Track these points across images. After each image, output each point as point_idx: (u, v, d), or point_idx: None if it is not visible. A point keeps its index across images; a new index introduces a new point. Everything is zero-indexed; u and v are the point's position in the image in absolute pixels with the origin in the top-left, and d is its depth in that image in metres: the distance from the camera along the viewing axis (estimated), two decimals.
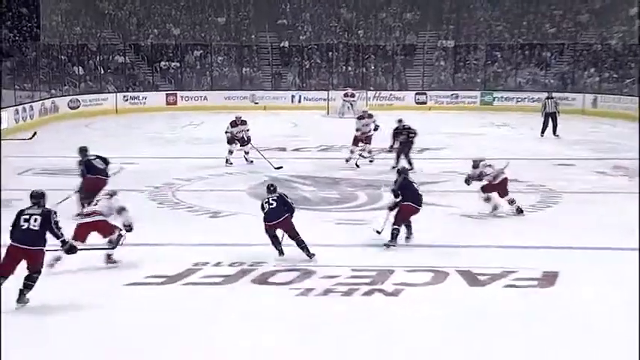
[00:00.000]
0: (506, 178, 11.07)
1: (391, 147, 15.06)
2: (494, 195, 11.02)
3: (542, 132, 20.07)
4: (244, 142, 15.48)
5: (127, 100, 27.96)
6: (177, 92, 29.11)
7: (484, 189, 11.03)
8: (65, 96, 26.40)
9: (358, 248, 9.37)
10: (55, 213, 7.38)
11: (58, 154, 15.86)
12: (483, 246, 9.42)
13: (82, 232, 8.31)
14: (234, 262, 8.60)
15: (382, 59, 31.92)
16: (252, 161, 15.41)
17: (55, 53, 28.40)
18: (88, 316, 7.07)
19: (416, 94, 29.70)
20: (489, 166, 11.11)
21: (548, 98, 20.64)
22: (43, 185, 13.12)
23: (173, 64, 30.85)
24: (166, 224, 10.55)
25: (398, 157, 14.75)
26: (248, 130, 15.63)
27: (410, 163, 14.35)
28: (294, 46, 32.42)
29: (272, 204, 8.81)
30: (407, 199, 9.49)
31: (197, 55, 31.45)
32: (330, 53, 32.08)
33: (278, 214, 8.77)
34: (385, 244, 9.28)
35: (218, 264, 8.58)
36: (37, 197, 7.39)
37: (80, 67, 28.80)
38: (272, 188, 9.08)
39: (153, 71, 30.36)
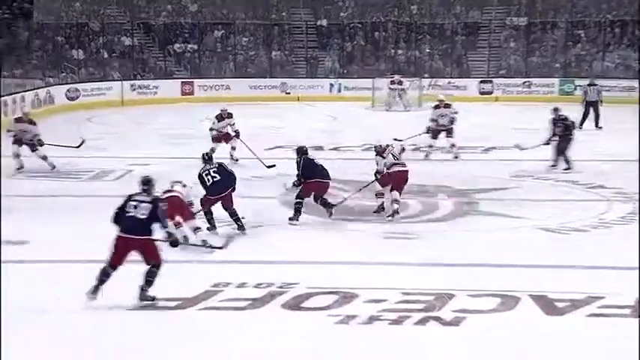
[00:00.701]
0: (405, 172, 11.73)
1: (549, 140, 15.39)
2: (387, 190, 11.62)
3: (581, 123, 20.45)
4: (229, 137, 16.24)
5: (134, 89, 28.30)
6: (194, 80, 29.38)
7: (379, 182, 11.86)
8: (62, 84, 26.82)
9: (410, 267, 9.35)
10: (162, 200, 8.49)
11: (54, 154, 16.10)
12: (562, 266, 9.33)
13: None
14: (260, 282, 8.64)
15: (439, 40, 31.82)
16: (237, 159, 15.92)
17: (50, 34, 28.84)
18: (78, 352, 7.11)
19: (480, 82, 29.55)
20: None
21: (590, 85, 21.64)
22: (39, 190, 13.55)
23: (189, 46, 31.15)
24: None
25: (558, 155, 15.12)
26: (234, 124, 16.40)
27: (567, 162, 14.89)
28: (334, 25, 32.49)
29: (215, 176, 9.74)
30: (313, 177, 11.19)
31: (218, 35, 31.70)
32: (377, 33, 32.08)
33: (225, 186, 9.75)
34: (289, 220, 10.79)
35: (242, 285, 8.62)
36: (147, 183, 8.24)
37: (80, 51, 29.20)
38: (207, 157, 10.15)
39: (165, 55, 30.68)
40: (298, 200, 11.16)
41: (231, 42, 31.41)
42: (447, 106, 16.89)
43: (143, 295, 8.04)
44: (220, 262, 9.48)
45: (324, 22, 32.67)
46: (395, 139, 16.58)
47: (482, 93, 29.08)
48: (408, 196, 12.97)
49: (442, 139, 16.76)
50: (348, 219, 11.56)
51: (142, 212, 7.96)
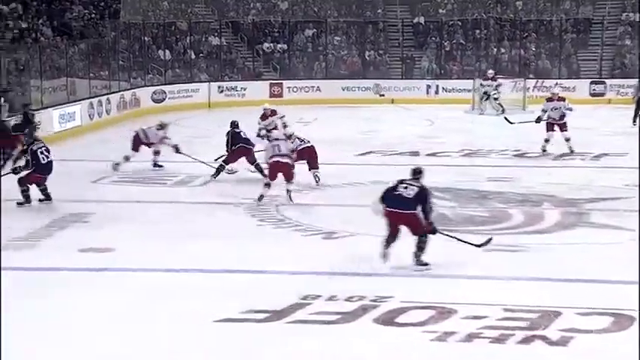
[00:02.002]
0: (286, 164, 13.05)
1: None
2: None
3: (634, 120, 21.53)
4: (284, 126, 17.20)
5: (222, 91, 28.73)
6: (283, 81, 29.65)
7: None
8: (148, 86, 27.41)
9: (512, 282, 9.23)
10: (430, 194, 9.75)
11: (139, 159, 16.49)
12: None
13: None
14: (352, 295, 8.64)
15: (546, 38, 31.31)
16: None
17: (137, 34, 29.54)
18: None
19: (591, 82, 28.94)
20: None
21: None
22: (122, 196, 13.91)
23: (279, 46, 31.47)
24: (268, 246, 10.76)
25: None
26: (283, 117, 17.69)
27: None
28: (432, 23, 32.34)
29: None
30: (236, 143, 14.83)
31: (309, 34, 31.94)
32: (478, 31, 31.79)
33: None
34: None
35: (332, 298, 8.64)
36: (418, 173, 9.91)
37: (167, 51, 29.78)
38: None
39: (254, 55, 31.08)
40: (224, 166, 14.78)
41: (323, 41, 31.58)
42: (561, 99, 17.48)
43: (418, 261, 9.59)
44: (309, 274, 9.53)
45: (422, 20, 32.56)
46: (505, 118, 17.71)
47: (593, 95, 28.46)
48: (510, 205, 12.81)
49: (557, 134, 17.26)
50: (447, 229, 11.45)
51: (409, 193, 9.62)
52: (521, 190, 14.09)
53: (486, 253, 10.36)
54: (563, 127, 17.29)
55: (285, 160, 13.22)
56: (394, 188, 9.78)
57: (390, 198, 9.76)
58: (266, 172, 13.57)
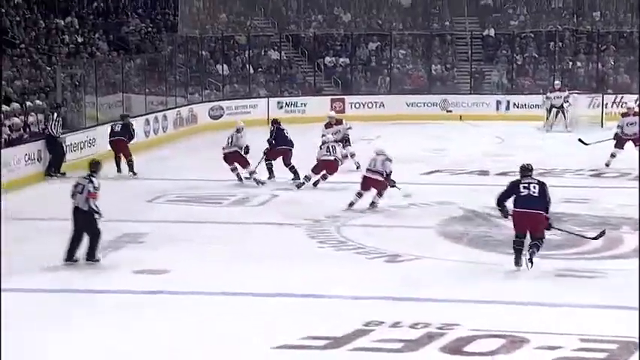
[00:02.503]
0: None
1: None
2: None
3: None
4: (346, 142, 17.87)
5: (281, 107, 28.84)
6: (345, 97, 29.67)
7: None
8: (206, 102, 27.67)
9: (589, 310, 9.13)
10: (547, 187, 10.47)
11: (196, 177, 16.65)
12: None
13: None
14: (417, 322, 8.60)
15: (626, 51, 30.87)
16: (359, 166, 16.92)
17: (195, 48, 29.90)
18: None
19: None
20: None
21: None
22: (179, 216, 14.02)
23: (341, 60, 31.58)
24: (329, 269, 10.75)
25: None
26: (349, 128, 18.38)
27: None
28: (503, 35, 32.14)
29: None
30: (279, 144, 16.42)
31: (372, 48, 32.01)
32: (552, 44, 31.49)
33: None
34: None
35: (396, 324, 8.61)
36: (530, 170, 10.64)
37: (225, 66, 30.06)
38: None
39: (315, 70, 31.20)
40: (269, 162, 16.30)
41: (387, 55, 31.58)
42: (637, 114, 17.60)
43: (530, 257, 10.25)
44: (373, 299, 9.50)
45: (492, 32, 32.37)
46: (580, 140, 17.61)
47: None
48: (586, 228, 12.63)
49: (630, 150, 17.24)
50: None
51: (534, 191, 10.31)
52: (599, 212, 13.89)
53: (561, 278, 10.26)
54: (637, 142, 17.37)
55: (376, 176, 14.08)
56: (514, 190, 10.48)
57: (518, 200, 10.42)
58: (316, 176, 15.83)
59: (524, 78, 30.94)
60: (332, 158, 15.78)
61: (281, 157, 16.67)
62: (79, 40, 26.38)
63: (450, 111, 28.93)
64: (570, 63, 31.14)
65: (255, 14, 33.38)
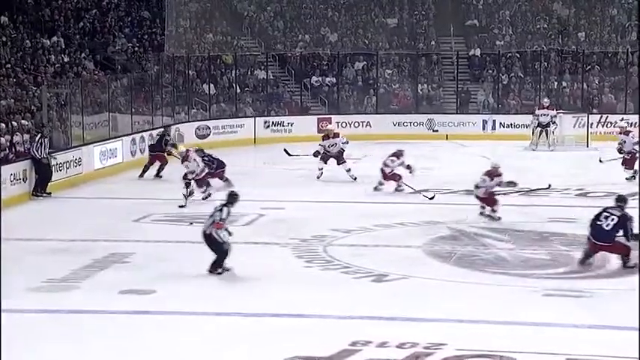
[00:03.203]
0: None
1: None
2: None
3: None
4: (341, 156, 19.15)
5: (267, 126, 28.89)
6: (332, 116, 29.66)
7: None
8: (192, 121, 27.67)
9: (576, 330, 9.10)
10: (631, 219, 11.12)
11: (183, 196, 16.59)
12: None
13: None
14: (404, 342, 8.56)
15: (611, 71, 31.04)
16: (355, 178, 18.80)
17: (181, 67, 29.90)
18: None
19: None
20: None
21: None
22: (165, 236, 14.00)
23: (328, 79, 31.63)
24: (315, 289, 10.74)
25: None
26: (346, 143, 19.45)
27: None
28: (489, 55, 32.28)
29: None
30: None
31: (359, 67, 32.08)
32: (538, 64, 31.62)
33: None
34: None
35: (383, 344, 8.57)
36: (623, 201, 11.41)
37: (211, 85, 30.09)
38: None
39: (301, 89, 31.24)
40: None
41: (373, 74, 31.65)
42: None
43: (626, 265, 11.14)
44: (359, 318, 9.49)
45: (478, 52, 32.52)
46: (600, 160, 18.03)
47: None
48: (573, 247, 12.65)
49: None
50: (504, 272, 11.35)
51: (608, 224, 11.07)
52: (586, 231, 13.88)
53: (548, 297, 10.25)
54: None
55: (482, 195, 14.80)
56: (597, 217, 11.21)
57: (592, 227, 11.19)
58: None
59: (511, 97, 31.06)
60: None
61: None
62: (65, 59, 26.35)
63: (437, 130, 28.99)
64: (555, 83, 31.30)
65: (241, 34, 33.43)
